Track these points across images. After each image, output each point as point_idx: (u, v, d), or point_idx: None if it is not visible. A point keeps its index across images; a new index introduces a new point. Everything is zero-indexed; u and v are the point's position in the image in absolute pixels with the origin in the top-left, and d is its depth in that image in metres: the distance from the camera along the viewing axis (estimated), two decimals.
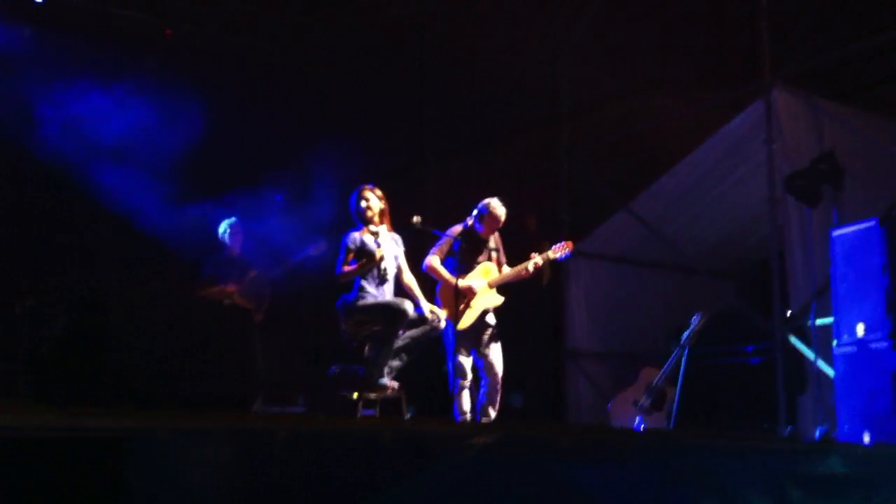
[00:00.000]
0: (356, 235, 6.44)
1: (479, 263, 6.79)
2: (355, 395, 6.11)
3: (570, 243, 6.96)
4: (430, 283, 6.79)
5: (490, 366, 6.69)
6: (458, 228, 6.82)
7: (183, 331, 5.37)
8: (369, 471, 3.82)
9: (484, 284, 6.73)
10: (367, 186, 6.53)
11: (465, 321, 6.63)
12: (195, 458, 3.48)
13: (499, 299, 6.77)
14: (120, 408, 4.02)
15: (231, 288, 7.32)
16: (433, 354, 6.76)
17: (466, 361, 6.69)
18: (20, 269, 7.27)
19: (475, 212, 6.83)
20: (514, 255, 6.90)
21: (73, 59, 7.90)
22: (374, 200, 6.48)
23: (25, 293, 6.86)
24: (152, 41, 8.42)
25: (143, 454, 3.38)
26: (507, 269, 6.83)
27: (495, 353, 6.72)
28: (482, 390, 6.70)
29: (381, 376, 6.15)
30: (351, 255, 6.37)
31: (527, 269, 6.76)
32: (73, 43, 7.97)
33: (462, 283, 6.64)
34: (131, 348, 5.05)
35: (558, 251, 6.88)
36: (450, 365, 6.67)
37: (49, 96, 7.74)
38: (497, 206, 6.80)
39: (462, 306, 6.62)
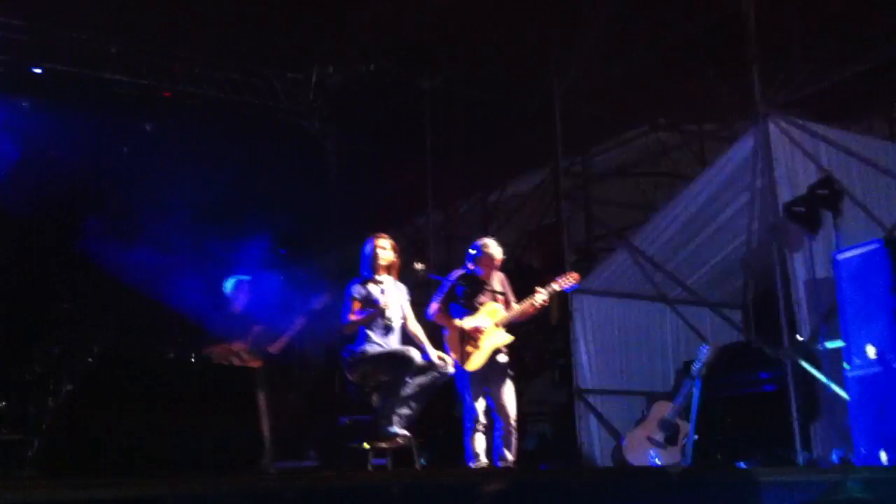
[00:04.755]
0: (360, 286, 6.45)
1: (482, 305, 6.75)
2: (366, 445, 6.07)
3: (575, 274, 6.86)
4: (437, 330, 6.77)
5: (502, 408, 6.62)
6: (458, 273, 6.80)
7: (188, 393, 5.33)
8: None
9: (491, 324, 6.68)
10: (382, 235, 6.54)
11: (475, 363, 6.58)
12: None
13: (507, 338, 6.71)
14: (126, 474, 3.99)
15: (238, 346, 7.30)
16: (444, 401, 6.72)
17: (479, 404, 6.62)
18: (26, 337, 7.26)
19: (472, 253, 6.82)
20: (522, 295, 6.86)
21: (72, 127, 7.97)
22: (387, 251, 6.50)
23: (33, 361, 6.85)
24: (150, 105, 8.49)
25: None
26: (515, 307, 6.78)
27: (508, 394, 6.65)
28: (497, 434, 6.63)
29: (391, 425, 6.10)
30: (357, 305, 6.37)
31: (532, 304, 6.67)
32: (73, 111, 8.04)
33: (467, 324, 6.61)
34: (136, 412, 5.01)
35: (563, 282, 6.79)
36: (463, 409, 6.63)
37: (47, 164, 7.80)
38: (491, 245, 6.78)
39: (470, 348, 6.58)
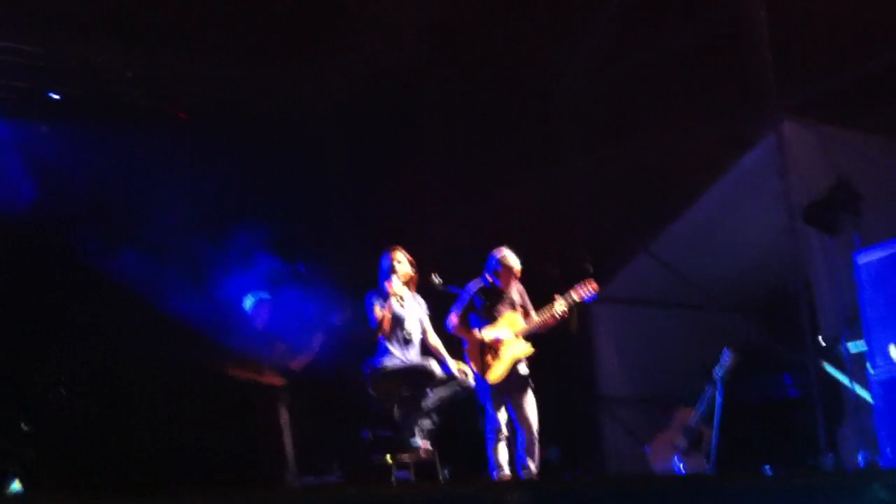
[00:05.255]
0: (379, 298, 6.44)
1: (501, 315, 6.74)
2: (389, 459, 6.08)
3: (593, 283, 6.80)
4: (456, 342, 6.77)
5: (524, 419, 6.60)
6: (477, 284, 6.80)
7: (211, 409, 5.37)
8: None
9: (511, 335, 6.68)
10: (398, 248, 6.56)
11: (496, 374, 6.58)
12: None
13: (528, 349, 6.71)
14: (146, 489, 4.00)
15: (261, 367, 7.27)
16: (466, 412, 6.71)
17: (501, 415, 6.61)
18: (40, 350, 7.29)
19: (489, 265, 6.81)
20: (540, 304, 6.85)
21: (88, 149, 8.04)
22: (404, 264, 6.51)
23: (54, 375, 6.88)
24: (156, 117, 8.53)
25: None
26: (534, 317, 6.77)
27: (529, 405, 6.64)
28: (520, 445, 6.62)
29: (413, 438, 6.12)
30: (378, 310, 6.37)
31: (552, 314, 6.68)
32: (89, 134, 8.11)
33: (487, 335, 6.60)
34: (157, 427, 5.05)
35: (581, 292, 6.77)
36: (485, 420, 6.62)
37: (66, 186, 7.86)
38: (508, 257, 6.77)
39: (491, 359, 6.58)
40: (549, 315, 6.69)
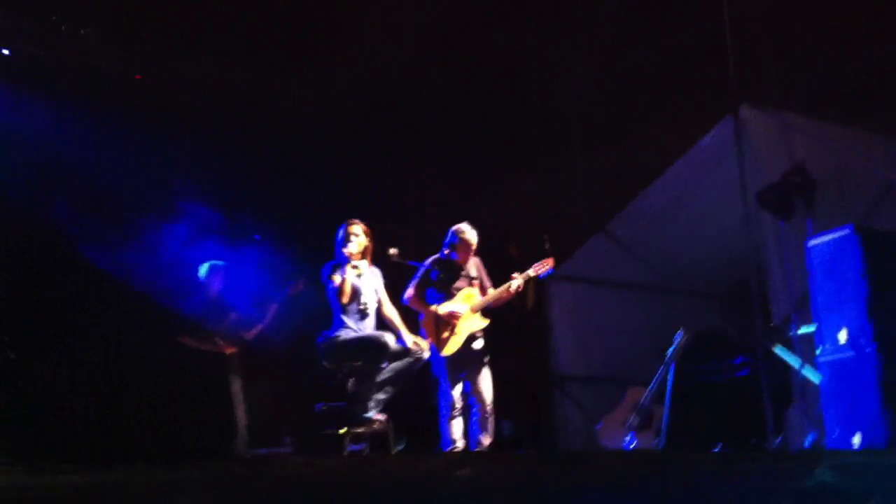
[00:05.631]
0: (334, 268, 6.43)
1: (459, 290, 6.77)
2: (342, 431, 6.08)
3: (550, 260, 6.90)
4: (413, 315, 6.78)
5: (479, 393, 6.66)
6: (434, 258, 6.82)
7: (158, 380, 5.30)
8: None
9: (466, 309, 6.71)
10: (354, 221, 6.54)
11: (451, 348, 6.62)
12: None
13: (483, 323, 6.75)
14: (92, 463, 3.96)
15: (213, 336, 7.22)
16: (421, 385, 6.73)
17: (456, 389, 6.66)
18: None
19: (447, 239, 6.83)
20: (499, 280, 6.89)
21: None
22: (360, 236, 6.49)
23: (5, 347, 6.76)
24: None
25: None
26: (490, 292, 6.81)
27: (484, 379, 6.69)
28: (473, 418, 6.67)
29: (367, 410, 6.12)
30: (336, 280, 6.35)
31: (508, 289, 6.73)
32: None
33: (443, 309, 6.63)
34: (105, 400, 4.98)
35: (538, 268, 6.85)
36: (438, 394, 6.65)
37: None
38: (466, 231, 6.81)
39: (446, 333, 6.61)
40: (504, 290, 6.75)
